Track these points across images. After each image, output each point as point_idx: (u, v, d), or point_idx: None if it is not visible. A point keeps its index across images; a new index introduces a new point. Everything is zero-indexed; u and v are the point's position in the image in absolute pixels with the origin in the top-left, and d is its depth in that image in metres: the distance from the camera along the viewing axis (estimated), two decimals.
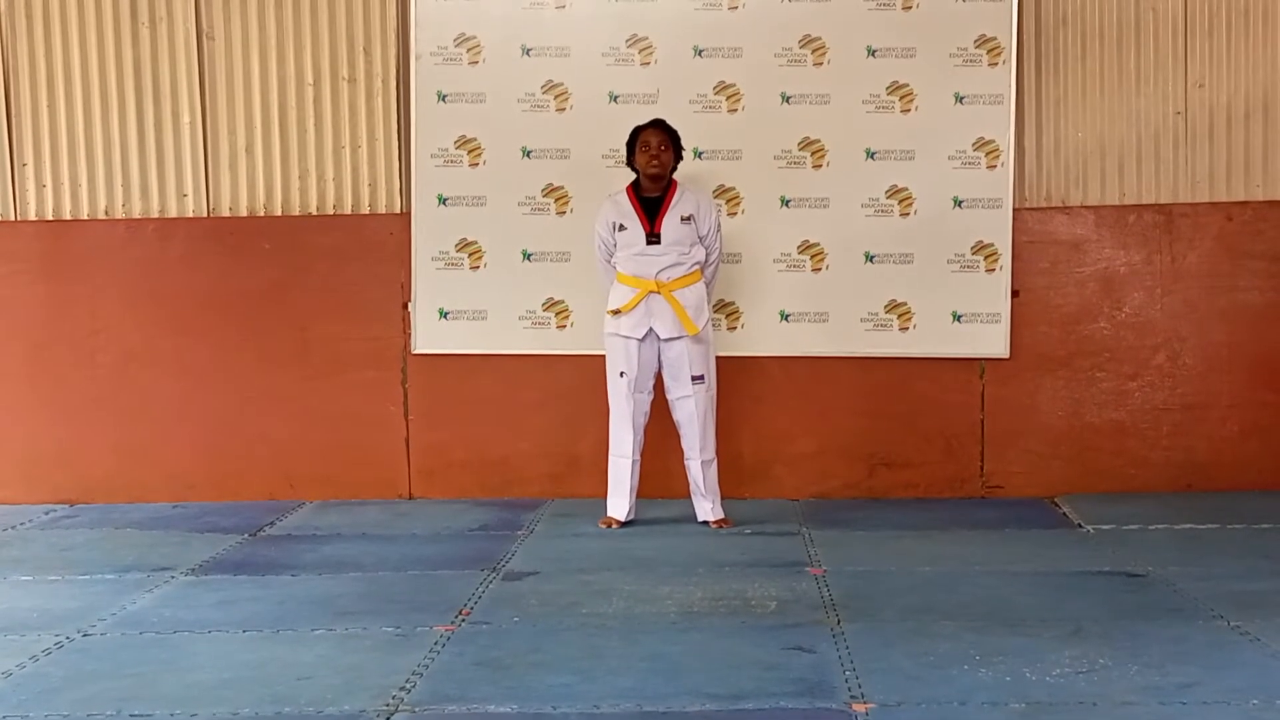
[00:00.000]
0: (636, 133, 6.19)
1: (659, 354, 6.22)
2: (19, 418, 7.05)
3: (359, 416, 6.98)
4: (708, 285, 6.29)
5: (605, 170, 6.67)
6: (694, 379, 6.18)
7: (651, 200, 6.18)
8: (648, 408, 6.28)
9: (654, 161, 6.12)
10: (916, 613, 4.71)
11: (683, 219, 6.15)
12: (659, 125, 6.18)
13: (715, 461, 6.29)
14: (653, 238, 6.13)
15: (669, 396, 6.27)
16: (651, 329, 6.15)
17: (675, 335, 6.14)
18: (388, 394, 6.99)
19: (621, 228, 6.17)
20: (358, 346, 6.98)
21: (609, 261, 6.26)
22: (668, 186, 6.19)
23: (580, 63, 6.82)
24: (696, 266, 6.19)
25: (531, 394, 6.93)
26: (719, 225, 6.30)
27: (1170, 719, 3.68)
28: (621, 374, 6.19)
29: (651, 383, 6.26)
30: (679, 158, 6.23)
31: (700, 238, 6.19)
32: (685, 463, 6.29)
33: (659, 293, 6.12)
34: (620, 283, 6.19)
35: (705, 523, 6.25)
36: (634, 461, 6.25)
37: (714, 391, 6.28)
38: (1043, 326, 6.85)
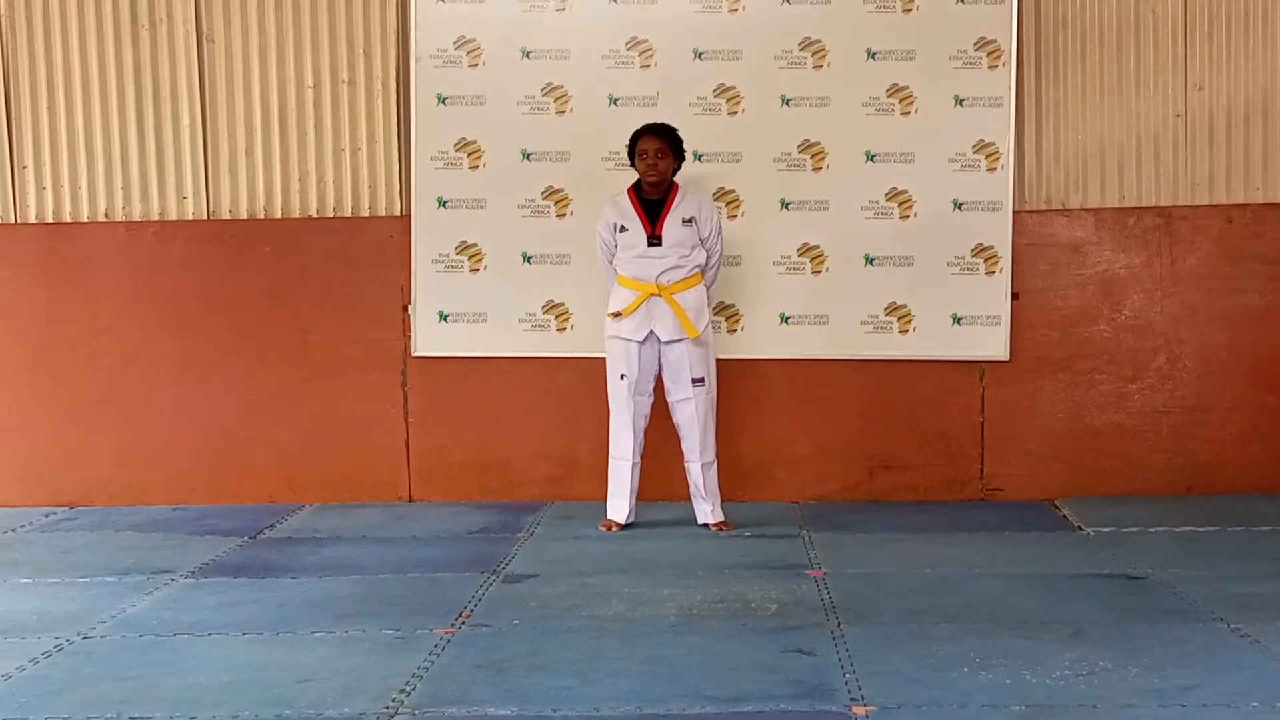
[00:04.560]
0: (636, 138, 6.18)
1: (659, 356, 6.22)
2: (19, 420, 7.05)
3: (359, 419, 6.99)
4: (708, 288, 6.29)
5: (605, 173, 6.68)
6: (694, 381, 6.17)
7: (653, 202, 6.18)
8: (648, 410, 6.27)
9: (652, 170, 6.12)
10: (916, 615, 4.71)
11: (684, 221, 6.15)
12: (656, 131, 6.15)
13: (715, 464, 6.29)
14: (654, 240, 6.13)
15: (669, 399, 6.27)
16: (652, 331, 6.15)
17: (676, 338, 6.14)
18: (388, 396, 6.99)
19: (623, 229, 6.17)
20: (358, 349, 6.98)
21: (611, 263, 6.26)
22: (669, 189, 6.19)
23: (580, 65, 6.82)
24: (697, 269, 6.19)
25: (531, 396, 6.93)
26: (720, 228, 6.30)
27: None
28: (622, 376, 6.19)
29: (652, 385, 6.26)
30: (680, 160, 6.23)
31: (701, 240, 6.19)
32: (685, 465, 6.28)
33: (660, 295, 6.12)
34: (621, 285, 6.19)
35: (705, 525, 6.25)
36: (634, 464, 6.25)
37: (714, 394, 6.27)
38: (1042, 329, 6.85)
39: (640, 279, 6.13)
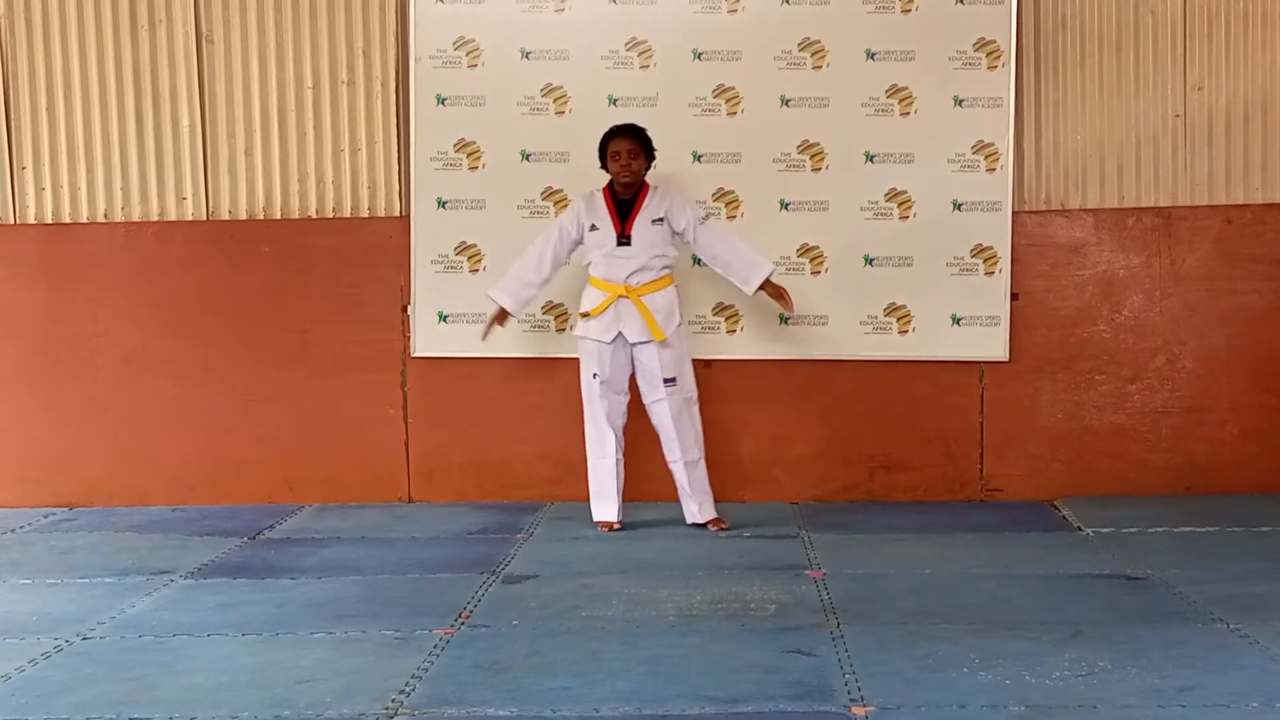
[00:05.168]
0: (606, 140, 6.20)
1: (631, 357, 6.23)
2: (19, 421, 7.05)
3: (358, 419, 6.99)
4: (745, 254, 6.22)
5: (604, 174, 6.66)
6: (666, 382, 6.18)
7: (624, 202, 6.21)
8: (624, 408, 6.29)
9: (625, 171, 6.15)
10: (916, 615, 4.71)
11: (654, 221, 6.18)
12: (627, 133, 6.18)
13: (702, 461, 6.27)
14: (623, 239, 6.16)
15: (644, 401, 6.27)
16: (621, 333, 6.16)
17: (644, 339, 6.16)
18: (387, 397, 6.99)
19: (594, 228, 6.21)
20: (357, 349, 6.98)
21: (550, 254, 6.22)
22: (640, 189, 6.21)
23: (580, 66, 6.82)
24: (667, 271, 6.20)
25: (531, 397, 6.93)
26: (702, 216, 6.25)
27: None
28: (595, 375, 6.21)
29: (626, 384, 6.27)
30: (651, 160, 6.24)
31: (679, 233, 6.21)
32: (669, 466, 6.28)
33: (628, 297, 6.13)
34: (591, 285, 6.23)
35: (695, 525, 6.24)
36: (616, 460, 6.26)
37: (691, 394, 6.26)
38: (1042, 329, 6.85)
39: (610, 280, 6.16)
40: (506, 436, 6.97)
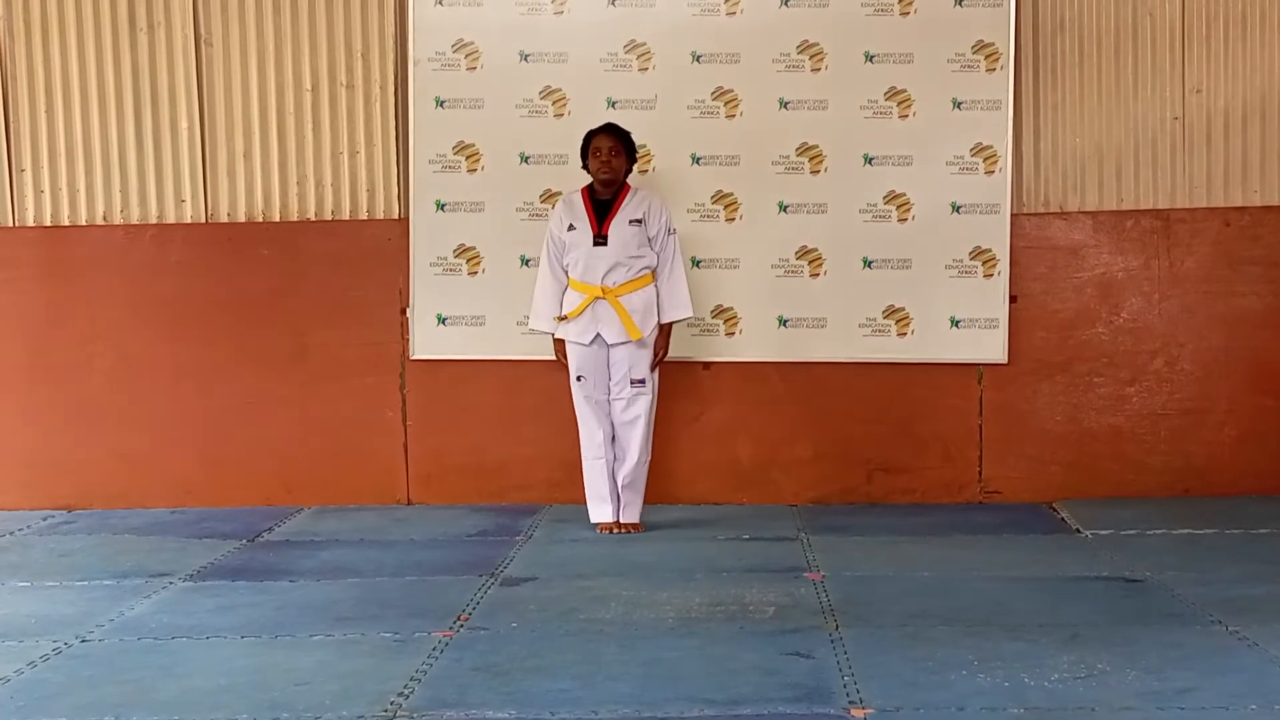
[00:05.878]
0: (589, 138, 6.21)
1: (609, 357, 6.23)
2: (18, 423, 7.05)
3: (357, 422, 6.99)
4: (672, 290, 6.20)
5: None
6: (634, 382, 6.19)
7: (603, 203, 6.22)
8: (610, 409, 6.28)
9: (605, 168, 6.16)
10: (914, 618, 4.71)
11: (631, 221, 6.18)
12: (610, 131, 6.20)
13: (647, 465, 6.26)
14: (599, 239, 6.16)
15: (609, 397, 6.26)
16: (599, 335, 6.16)
17: (622, 340, 6.16)
18: (386, 399, 6.99)
19: (572, 227, 6.22)
20: (356, 352, 6.98)
21: (556, 263, 6.23)
22: (619, 190, 6.21)
23: (578, 68, 6.83)
24: (646, 270, 6.20)
25: (530, 399, 6.93)
26: (671, 228, 6.24)
27: None
28: (579, 378, 6.21)
29: (608, 385, 6.26)
30: (632, 161, 6.26)
31: (649, 239, 6.20)
32: (614, 465, 6.27)
33: (604, 298, 6.13)
34: (570, 288, 6.23)
35: (611, 526, 6.22)
36: (608, 460, 6.25)
37: (654, 397, 6.26)
38: (1041, 332, 6.86)
39: (586, 282, 6.17)
40: (505, 439, 6.97)
